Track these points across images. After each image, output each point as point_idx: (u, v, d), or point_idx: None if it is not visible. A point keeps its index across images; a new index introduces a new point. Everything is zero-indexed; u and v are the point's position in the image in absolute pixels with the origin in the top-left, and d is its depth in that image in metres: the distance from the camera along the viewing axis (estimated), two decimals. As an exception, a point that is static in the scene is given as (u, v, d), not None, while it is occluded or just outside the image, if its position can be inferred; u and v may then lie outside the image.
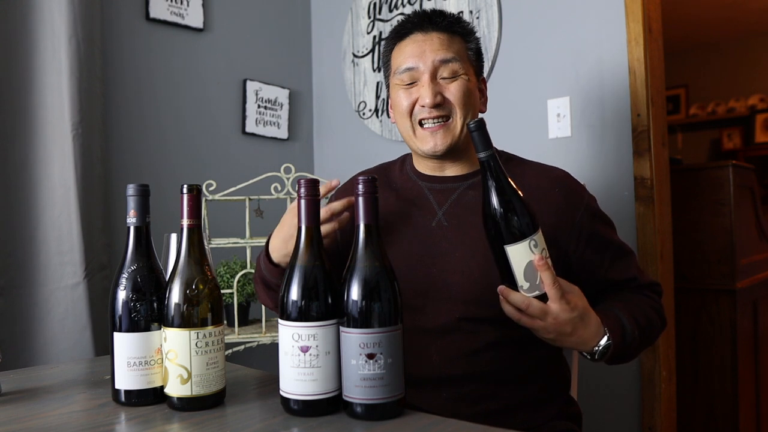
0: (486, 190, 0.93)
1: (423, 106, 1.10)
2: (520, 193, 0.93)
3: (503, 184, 0.92)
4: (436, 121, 1.10)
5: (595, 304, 1.10)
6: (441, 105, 1.09)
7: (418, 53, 1.11)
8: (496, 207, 0.92)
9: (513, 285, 0.92)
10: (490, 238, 0.93)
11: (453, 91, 1.10)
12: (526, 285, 0.91)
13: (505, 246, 0.91)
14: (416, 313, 1.05)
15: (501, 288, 0.93)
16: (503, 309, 0.94)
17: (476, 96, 1.15)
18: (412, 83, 1.12)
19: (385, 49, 1.21)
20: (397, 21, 2.26)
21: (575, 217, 1.10)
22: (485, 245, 1.07)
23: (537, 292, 0.92)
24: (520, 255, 0.90)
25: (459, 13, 1.19)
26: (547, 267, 0.90)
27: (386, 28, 2.31)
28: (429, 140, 1.11)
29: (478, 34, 1.19)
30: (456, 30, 1.14)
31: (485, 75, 1.80)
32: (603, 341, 0.97)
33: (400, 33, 1.16)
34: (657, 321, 1.10)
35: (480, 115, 1.18)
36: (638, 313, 1.06)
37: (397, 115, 1.16)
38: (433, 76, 1.10)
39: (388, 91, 1.21)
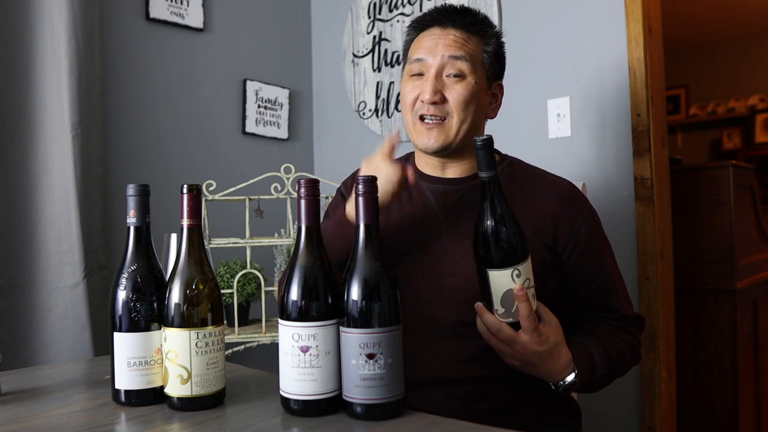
0: (482, 210, 0.92)
1: (423, 102, 1.09)
2: (515, 219, 0.91)
3: (500, 208, 0.91)
4: (433, 118, 1.09)
5: (578, 322, 1.11)
6: (439, 104, 1.08)
7: (431, 47, 1.10)
8: (487, 229, 0.91)
9: (490, 305, 0.92)
10: (476, 256, 0.93)
11: (455, 93, 1.08)
12: (501, 310, 0.91)
13: (487, 269, 0.90)
14: (413, 315, 1.04)
15: (478, 305, 0.94)
16: (477, 324, 0.95)
17: (482, 101, 1.12)
18: (420, 75, 1.11)
19: (405, 39, 1.20)
20: (397, 21, 2.28)
21: (574, 226, 1.10)
22: None
23: (511, 319, 0.91)
24: (501, 281, 0.90)
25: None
26: (525, 298, 0.89)
27: (386, 28, 2.31)
28: (424, 136, 1.11)
29: (503, 39, 1.17)
30: (474, 30, 1.11)
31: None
32: (569, 378, 0.97)
33: (420, 25, 1.15)
34: (630, 357, 1.09)
35: (487, 121, 1.18)
36: (612, 350, 1.05)
37: (402, 107, 1.16)
38: (439, 73, 1.09)
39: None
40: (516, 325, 0.91)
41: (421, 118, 1.11)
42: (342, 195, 1.25)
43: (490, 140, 0.91)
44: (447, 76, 1.09)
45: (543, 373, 0.96)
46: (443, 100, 1.08)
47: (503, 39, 1.17)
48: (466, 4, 2.05)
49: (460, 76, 1.08)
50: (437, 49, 1.09)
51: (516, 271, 0.89)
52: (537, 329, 0.91)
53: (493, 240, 0.90)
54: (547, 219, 1.09)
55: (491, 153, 0.91)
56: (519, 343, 0.91)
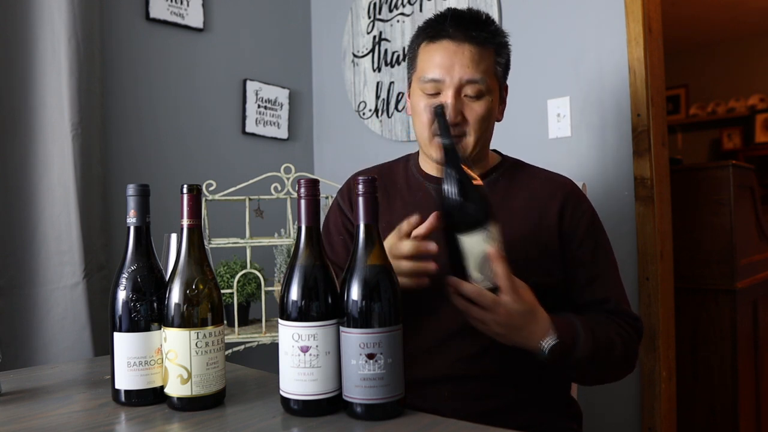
0: (446, 178, 0.92)
1: None
2: (479, 184, 0.91)
3: (463, 173, 0.91)
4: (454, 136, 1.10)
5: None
6: (460, 125, 1.09)
7: (447, 65, 1.07)
8: (454, 196, 0.90)
9: (463, 276, 0.90)
10: (445, 227, 0.91)
11: (474, 112, 1.09)
12: (478, 276, 0.90)
13: (459, 235, 0.89)
14: (417, 314, 1.05)
15: (451, 278, 0.92)
16: (452, 300, 0.92)
17: (495, 111, 1.14)
18: (436, 93, 1.10)
19: (413, 42, 1.17)
20: (397, 21, 2.27)
21: (575, 217, 1.12)
22: None
23: (488, 284, 0.90)
24: (474, 246, 0.89)
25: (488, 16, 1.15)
26: (501, 258, 0.89)
27: (386, 28, 2.31)
28: (441, 151, 1.10)
29: (509, 42, 1.16)
30: (489, 42, 1.10)
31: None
32: (551, 339, 0.95)
33: (433, 34, 1.11)
34: (619, 346, 1.05)
35: (495, 124, 1.18)
36: (599, 331, 1.03)
37: (416, 120, 1.14)
38: (458, 93, 1.08)
39: (409, 87, 1.18)
40: (493, 291, 0.90)
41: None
42: (339, 205, 1.24)
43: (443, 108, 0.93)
44: (465, 95, 1.09)
45: (526, 335, 0.94)
46: (463, 120, 1.09)
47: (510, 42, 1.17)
48: (464, 4, 2.05)
49: (477, 96, 1.09)
50: (453, 69, 1.07)
51: (487, 233, 0.89)
52: (516, 288, 0.91)
53: (461, 205, 0.90)
54: (551, 214, 1.11)
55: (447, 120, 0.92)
56: (501, 305, 0.90)
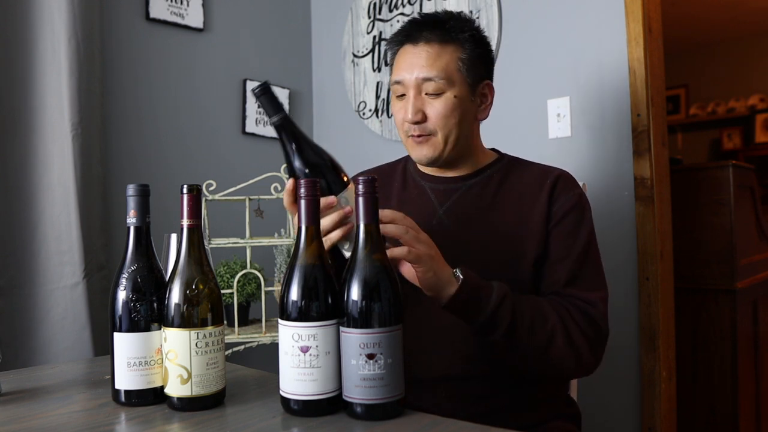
0: (288, 155, 0.90)
1: (406, 122, 1.11)
2: (323, 151, 0.90)
3: (304, 145, 0.90)
4: (419, 135, 1.11)
5: None
6: (422, 122, 1.10)
7: (406, 67, 1.11)
8: (300, 169, 0.89)
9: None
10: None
11: (435, 109, 1.09)
12: (347, 245, 0.89)
13: (337, 197, 0.88)
14: (414, 313, 1.05)
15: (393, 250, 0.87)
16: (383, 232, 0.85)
17: (467, 109, 1.11)
18: (402, 95, 1.12)
19: (387, 51, 1.21)
20: (397, 21, 2.27)
21: (558, 204, 1.10)
22: (483, 242, 1.07)
23: None
24: (351, 199, 0.87)
25: (459, 13, 1.14)
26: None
27: (386, 28, 2.31)
28: (416, 150, 1.13)
29: (485, 33, 1.16)
30: (446, 39, 1.10)
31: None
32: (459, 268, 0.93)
33: (398, 39, 1.15)
34: (554, 320, 0.98)
35: (485, 122, 1.18)
36: (528, 299, 0.99)
37: (395, 123, 1.18)
38: (418, 92, 1.10)
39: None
40: None
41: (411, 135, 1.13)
42: None
43: (266, 86, 0.89)
44: (426, 93, 1.10)
45: (442, 264, 0.91)
46: (424, 118, 1.10)
47: (486, 35, 1.16)
48: (464, 5, 2.05)
49: (437, 93, 1.09)
50: (412, 69, 1.10)
51: (343, 199, 0.88)
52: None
53: (318, 169, 0.89)
54: (541, 202, 1.11)
55: (272, 96, 0.89)
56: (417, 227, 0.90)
